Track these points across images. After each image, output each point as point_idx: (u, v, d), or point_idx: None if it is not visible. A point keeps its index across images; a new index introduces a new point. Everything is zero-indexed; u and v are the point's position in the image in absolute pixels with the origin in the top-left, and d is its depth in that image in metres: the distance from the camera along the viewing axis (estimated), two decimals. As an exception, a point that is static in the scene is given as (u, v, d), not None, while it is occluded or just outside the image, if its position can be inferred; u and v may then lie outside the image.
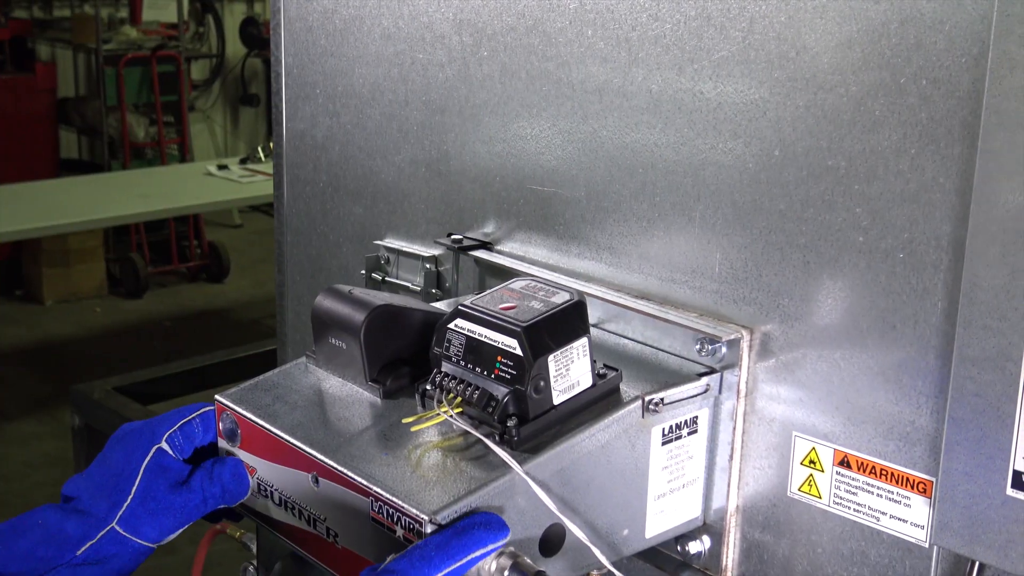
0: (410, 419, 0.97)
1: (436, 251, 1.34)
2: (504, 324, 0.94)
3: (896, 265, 0.93)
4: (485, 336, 0.95)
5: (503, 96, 1.24)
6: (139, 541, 1.02)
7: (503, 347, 0.94)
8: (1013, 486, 0.85)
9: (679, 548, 1.09)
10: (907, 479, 0.95)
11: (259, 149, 6.15)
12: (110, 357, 5.82)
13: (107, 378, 2.46)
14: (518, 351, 0.93)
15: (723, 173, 1.04)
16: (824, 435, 1.00)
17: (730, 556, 1.08)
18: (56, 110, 7.80)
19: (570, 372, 0.95)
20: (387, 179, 1.41)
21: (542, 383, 0.94)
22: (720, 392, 1.05)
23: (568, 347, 0.95)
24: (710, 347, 1.04)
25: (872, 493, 0.98)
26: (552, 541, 0.94)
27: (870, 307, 0.96)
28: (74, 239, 6.63)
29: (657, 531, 1.04)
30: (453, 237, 1.30)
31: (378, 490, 0.90)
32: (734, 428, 1.06)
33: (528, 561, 0.88)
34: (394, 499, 0.89)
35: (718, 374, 1.04)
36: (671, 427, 1.02)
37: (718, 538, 1.08)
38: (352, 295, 1.05)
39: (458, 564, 0.85)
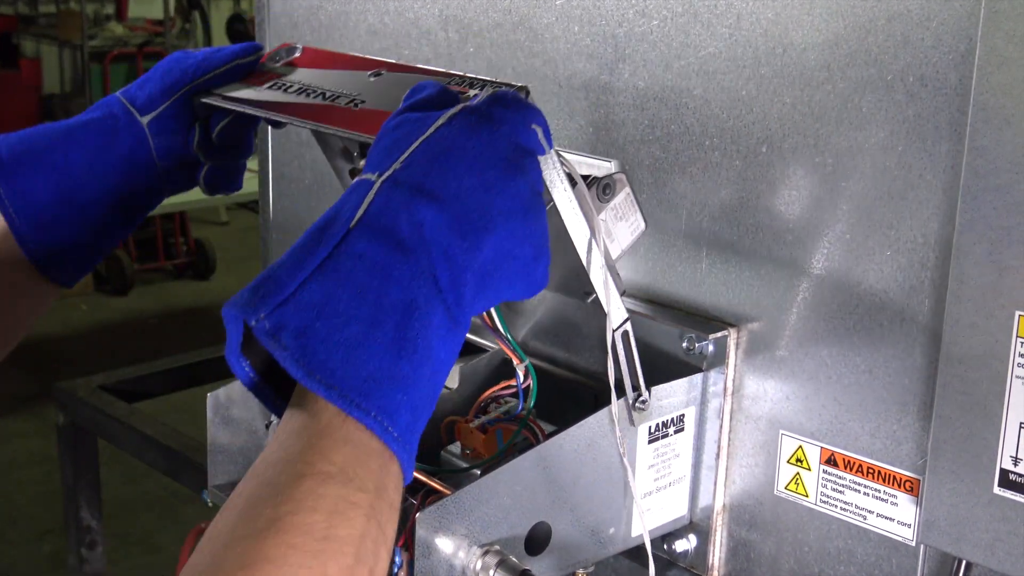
0: None
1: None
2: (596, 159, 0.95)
3: (883, 263, 0.93)
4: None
5: (489, 93, 1.23)
6: (130, 107, 1.01)
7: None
8: (1000, 484, 0.85)
9: (665, 547, 1.09)
10: (894, 477, 0.95)
11: (245, 146, 6.13)
12: (95, 355, 5.79)
13: (92, 376, 2.44)
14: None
15: (710, 170, 1.04)
16: (811, 433, 1.00)
17: (717, 555, 1.08)
18: (41, 107, 7.76)
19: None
20: (373, 176, 1.40)
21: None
22: (707, 390, 1.04)
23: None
24: (697, 345, 1.03)
25: (859, 491, 0.98)
26: (538, 540, 0.94)
27: (857, 305, 0.95)
28: (59, 236, 6.60)
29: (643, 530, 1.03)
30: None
31: (460, 72, 0.85)
32: (721, 426, 1.05)
33: (514, 560, 0.88)
34: (478, 75, 0.84)
35: (704, 372, 1.04)
36: (657, 425, 1.01)
37: (705, 537, 1.08)
38: None
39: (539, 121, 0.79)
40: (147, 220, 7.16)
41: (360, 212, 0.71)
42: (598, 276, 0.90)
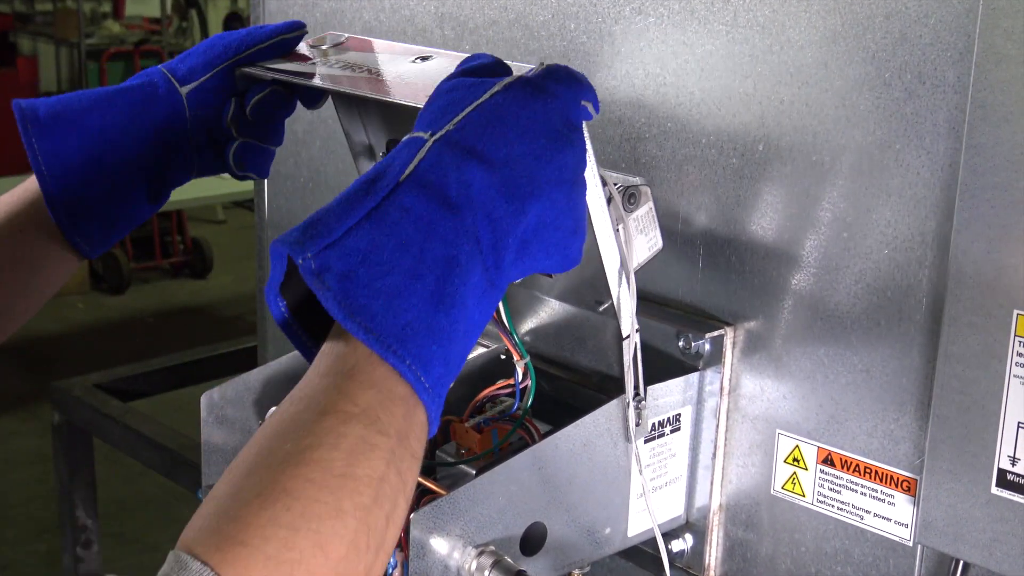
0: None
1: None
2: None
3: (881, 261, 0.93)
4: None
5: (485, 90, 1.22)
6: (171, 77, 1.02)
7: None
8: (998, 484, 0.84)
9: (662, 547, 1.08)
10: (891, 477, 0.95)
11: (242, 144, 6.12)
12: (92, 353, 5.79)
13: (88, 374, 2.44)
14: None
15: (706, 168, 1.03)
16: (808, 433, 1.00)
17: (713, 555, 1.08)
18: (38, 105, 7.75)
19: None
20: (368, 174, 1.40)
21: None
22: (703, 389, 1.04)
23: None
24: (693, 344, 1.03)
25: (856, 491, 0.97)
26: (533, 540, 0.93)
27: (855, 304, 0.95)
28: (56, 235, 6.58)
29: (640, 530, 1.03)
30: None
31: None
32: (717, 426, 1.05)
33: (509, 560, 0.87)
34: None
35: (700, 371, 1.03)
36: (654, 425, 1.01)
37: (701, 537, 1.07)
38: None
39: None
40: (144, 219, 7.17)
41: (411, 168, 0.73)
42: (615, 279, 0.90)
